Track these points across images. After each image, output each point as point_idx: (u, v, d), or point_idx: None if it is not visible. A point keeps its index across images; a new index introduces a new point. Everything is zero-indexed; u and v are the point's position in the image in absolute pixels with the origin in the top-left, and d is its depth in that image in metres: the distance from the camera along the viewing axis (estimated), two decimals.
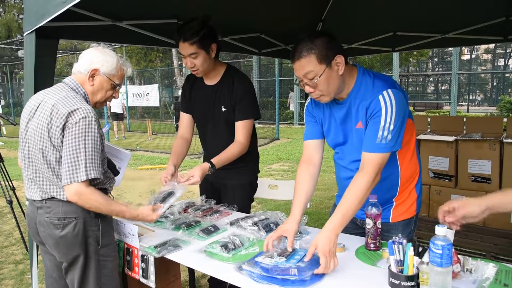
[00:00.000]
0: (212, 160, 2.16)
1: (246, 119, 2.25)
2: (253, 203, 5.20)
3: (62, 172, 1.58)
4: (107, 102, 1.86)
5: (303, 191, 1.74)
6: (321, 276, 1.43)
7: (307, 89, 1.60)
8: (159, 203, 1.91)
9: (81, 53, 1.80)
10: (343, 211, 1.51)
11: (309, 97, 1.81)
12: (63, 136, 1.58)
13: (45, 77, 2.06)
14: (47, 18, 1.79)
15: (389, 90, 1.55)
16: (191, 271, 2.56)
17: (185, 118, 2.47)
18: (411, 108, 19.06)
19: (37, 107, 1.67)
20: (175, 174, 2.23)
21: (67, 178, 1.56)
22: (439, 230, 1.23)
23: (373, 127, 1.57)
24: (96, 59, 1.72)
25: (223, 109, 2.27)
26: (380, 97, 1.55)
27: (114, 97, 1.84)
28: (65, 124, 1.57)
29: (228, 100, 2.25)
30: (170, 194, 1.98)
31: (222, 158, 2.18)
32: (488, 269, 1.41)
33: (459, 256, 1.40)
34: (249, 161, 2.40)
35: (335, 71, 1.56)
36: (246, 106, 2.25)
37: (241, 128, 2.25)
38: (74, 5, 1.63)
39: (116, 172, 1.86)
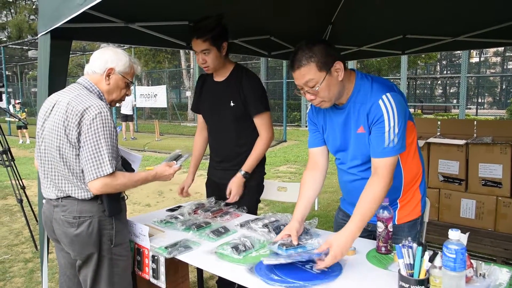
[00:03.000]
0: (243, 169, 2.30)
1: (261, 113, 2.32)
2: (261, 205, 5.21)
3: (85, 168, 1.61)
4: (121, 101, 1.91)
5: (305, 194, 1.82)
6: (330, 277, 1.45)
7: (308, 97, 1.62)
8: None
9: (90, 53, 1.84)
10: (361, 215, 1.53)
11: (310, 104, 1.83)
12: (79, 133, 1.61)
13: (59, 77, 2.10)
14: (63, 20, 1.82)
15: (388, 94, 1.57)
16: (200, 272, 2.57)
17: (200, 117, 2.58)
18: (419, 111, 18.94)
19: (53, 107, 1.71)
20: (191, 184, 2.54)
21: (92, 174, 1.60)
22: (453, 234, 1.22)
23: (378, 133, 1.59)
24: (110, 58, 1.77)
25: (232, 104, 2.31)
26: (380, 102, 1.57)
27: (127, 95, 1.89)
28: (80, 120, 1.61)
29: (237, 95, 2.30)
30: (179, 156, 2.06)
31: (250, 162, 2.32)
32: (501, 274, 1.40)
33: (472, 260, 1.39)
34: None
35: (335, 77, 1.58)
36: (258, 100, 2.32)
37: (260, 124, 2.34)
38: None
39: (131, 170, 1.90)
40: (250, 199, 2.43)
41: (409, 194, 1.79)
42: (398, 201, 1.78)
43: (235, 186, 2.31)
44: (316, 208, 5.00)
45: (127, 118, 13.33)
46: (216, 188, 2.51)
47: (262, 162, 2.50)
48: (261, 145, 2.34)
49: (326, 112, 1.80)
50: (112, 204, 1.71)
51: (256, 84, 2.34)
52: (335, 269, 1.49)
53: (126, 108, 13.09)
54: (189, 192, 2.55)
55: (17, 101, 13.80)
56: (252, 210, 2.40)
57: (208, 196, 2.51)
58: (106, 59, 1.76)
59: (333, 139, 1.81)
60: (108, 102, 1.81)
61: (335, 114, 1.75)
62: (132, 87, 1.95)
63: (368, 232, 1.88)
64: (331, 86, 1.58)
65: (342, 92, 1.66)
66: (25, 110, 13.58)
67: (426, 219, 2.03)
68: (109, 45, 1.84)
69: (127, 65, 1.80)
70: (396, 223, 1.78)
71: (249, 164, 2.32)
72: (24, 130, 13.05)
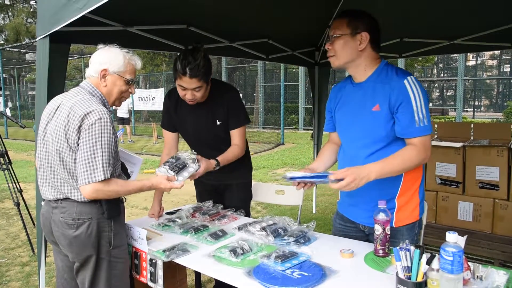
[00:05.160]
0: (218, 158, 2.21)
1: (240, 127, 2.34)
2: (259, 208, 5.21)
3: (79, 172, 1.61)
4: (126, 99, 1.90)
5: (322, 155, 2.02)
6: (324, 278, 1.46)
7: (327, 45, 1.77)
8: (173, 172, 1.90)
9: (88, 56, 1.84)
10: (386, 164, 1.63)
11: (330, 93, 2.00)
12: (79, 138, 1.61)
13: (57, 80, 2.10)
14: (62, 23, 1.83)
15: (412, 77, 1.67)
16: (198, 275, 2.57)
17: (171, 136, 2.46)
18: None
19: (55, 110, 1.71)
20: (161, 211, 2.39)
21: (84, 179, 1.60)
22: (450, 236, 1.23)
23: (407, 114, 1.64)
24: (103, 59, 1.75)
25: (218, 123, 2.30)
26: (406, 82, 1.65)
27: (131, 93, 1.87)
28: (80, 125, 1.61)
29: (222, 112, 2.29)
30: (184, 166, 1.96)
31: (225, 157, 2.25)
32: (498, 276, 1.41)
33: (469, 263, 1.39)
34: (248, 159, 2.55)
35: (355, 43, 1.69)
36: (240, 114, 2.33)
37: (237, 135, 2.34)
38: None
39: (128, 176, 1.89)
40: (247, 195, 2.56)
41: (407, 195, 1.79)
42: (396, 200, 1.77)
43: (204, 164, 2.08)
44: (314, 211, 5.00)
45: (123, 121, 13.30)
46: (212, 192, 2.53)
47: (249, 157, 2.58)
48: (236, 152, 2.31)
49: (344, 92, 1.89)
50: (111, 206, 1.71)
51: (238, 98, 2.36)
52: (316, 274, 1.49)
53: (122, 111, 13.07)
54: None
55: None
56: (248, 206, 2.49)
57: (202, 201, 2.51)
58: (100, 61, 1.75)
59: (346, 117, 1.86)
60: (111, 103, 1.82)
61: (352, 92, 1.83)
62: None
63: (366, 237, 1.88)
64: (346, 45, 1.70)
65: (358, 64, 1.74)
66: None
67: (424, 222, 2.03)
68: (106, 45, 1.81)
69: (122, 63, 1.76)
70: (394, 226, 1.78)
71: (222, 159, 2.22)
72: None
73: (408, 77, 1.66)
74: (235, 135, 2.33)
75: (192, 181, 2.60)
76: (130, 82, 1.83)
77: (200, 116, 2.32)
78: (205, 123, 2.32)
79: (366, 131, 1.76)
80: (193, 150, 2.07)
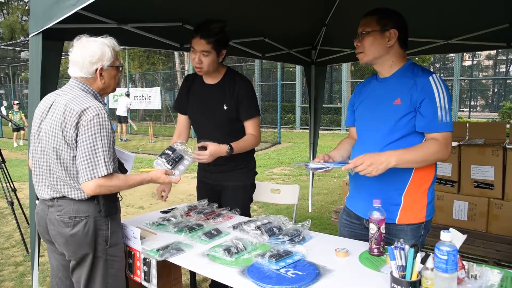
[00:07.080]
0: (232, 144, 2.21)
1: (253, 118, 2.34)
2: (254, 207, 5.19)
3: (80, 169, 1.59)
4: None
5: (340, 146, 2.04)
6: (318, 277, 1.45)
7: (355, 42, 1.80)
8: (169, 165, 1.94)
9: None
10: (406, 151, 1.65)
11: (355, 89, 2.03)
12: (76, 135, 1.60)
13: (51, 78, 2.08)
14: (55, 20, 1.81)
15: (437, 75, 1.70)
16: (193, 274, 2.56)
17: (182, 119, 2.54)
18: None
19: (49, 108, 1.70)
20: (169, 188, 2.38)
21: (87, 175, 1.58)
22: (444, 235, 1.23)
23: (430, 109, 1.65)
24: (93, 59, 1.70)
25: (225, 107, 2.31)
26: (430, 78, 1.67)
27: (120, 74, 1.87)
28: (78, 122, 1.60)
29: (230, 98, 2.30)
30: (180, 159, 1.99)
31: (240, 144, 2.25)
32: (493, 275, 1.40)
33: (463, 262, 1.39)
34: (250, 161, 2.49)
35: (384, 40, 1.73)
36: (251, 105, 2.33)
37: (251, 126, 2.35)
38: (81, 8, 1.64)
39: (124, 171, 1.88)
40: (245, 198, 2.48)
41: (415, 194, 1.76)
42: (402, 197, 1.76)
43: (213, 147, 2.09)
44: (309, 210, 5.00)
45: (120, 119, 13.29)
46: (210, 191, 2.51)
47: (254, 160, 2.54)
48: (252, 141, 2.33)
49: (368, 88, 1.91)
50: (108, 204, 1.70)
51: (250, 88, 2.36)
52: (312, 273, 1.49)
53: (121, 110, 13.06)
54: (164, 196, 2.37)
55: (15, 102, 13.55)
56: (247, 209, 2.44)
57: (200, 199, 2.50)
58: (91, 61, 1.69)
59: (365, 110, 1.89)
60: (106, 94, 1.82)
61: (376, 87, 1.86)
62: (127, 91, 1.92)
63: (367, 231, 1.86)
64: (375, 42, 1.74)
65: (386, 60, 1.78)
66: (21, 111, 13.33)
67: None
68: (81, 37, 1.73)
69: (110, 54, 1.74)
70: (396, 223, 1.76)
71: (237, 144, 2.21)
72: (22, 132, 12.85)
73: (433, 75, 1.69)
74: (249, 125, 2.34)
75: (190, 180, 2.59)
76: (120, 68, 1.83)
77: (209, 98, 2.36)
78: (212, 106, 2.34)
79: (382, 123, 1.77)
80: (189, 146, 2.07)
